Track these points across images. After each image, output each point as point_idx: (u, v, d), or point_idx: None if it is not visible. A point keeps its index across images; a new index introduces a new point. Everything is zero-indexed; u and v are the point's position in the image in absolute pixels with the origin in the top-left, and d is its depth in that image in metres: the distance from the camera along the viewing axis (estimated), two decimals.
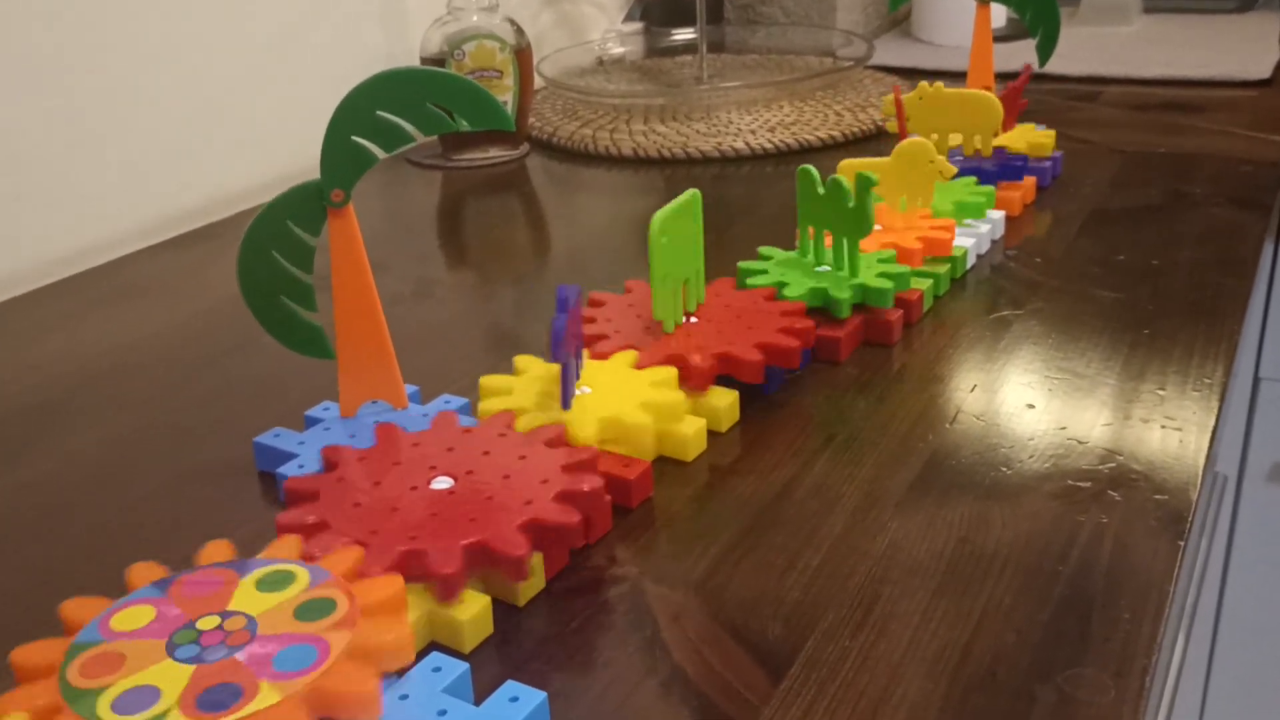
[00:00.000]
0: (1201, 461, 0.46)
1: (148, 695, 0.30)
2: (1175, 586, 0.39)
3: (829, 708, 0.34)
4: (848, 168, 0.64)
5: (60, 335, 0.63)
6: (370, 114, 0.44)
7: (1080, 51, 1.11)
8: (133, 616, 0.33)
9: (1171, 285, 0.62)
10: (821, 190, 0.57)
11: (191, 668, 0.31)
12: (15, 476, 0.49)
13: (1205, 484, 0.48)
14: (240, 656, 0.31)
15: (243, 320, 0.63)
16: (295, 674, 0.30)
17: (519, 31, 0.90)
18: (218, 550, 0.36)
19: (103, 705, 0.29)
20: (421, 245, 0.75)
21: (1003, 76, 0.99)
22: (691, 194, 0.53)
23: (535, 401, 0.47)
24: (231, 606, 0.33)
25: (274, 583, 0.34)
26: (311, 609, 0.33)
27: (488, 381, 0.49)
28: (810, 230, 0.59)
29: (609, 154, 0.91)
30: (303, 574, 0.34)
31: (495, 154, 0.92)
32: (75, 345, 0.62)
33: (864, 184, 0.55)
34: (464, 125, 0.44)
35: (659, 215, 0.50)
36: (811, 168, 0.58)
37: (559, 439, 0.44)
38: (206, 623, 0.32)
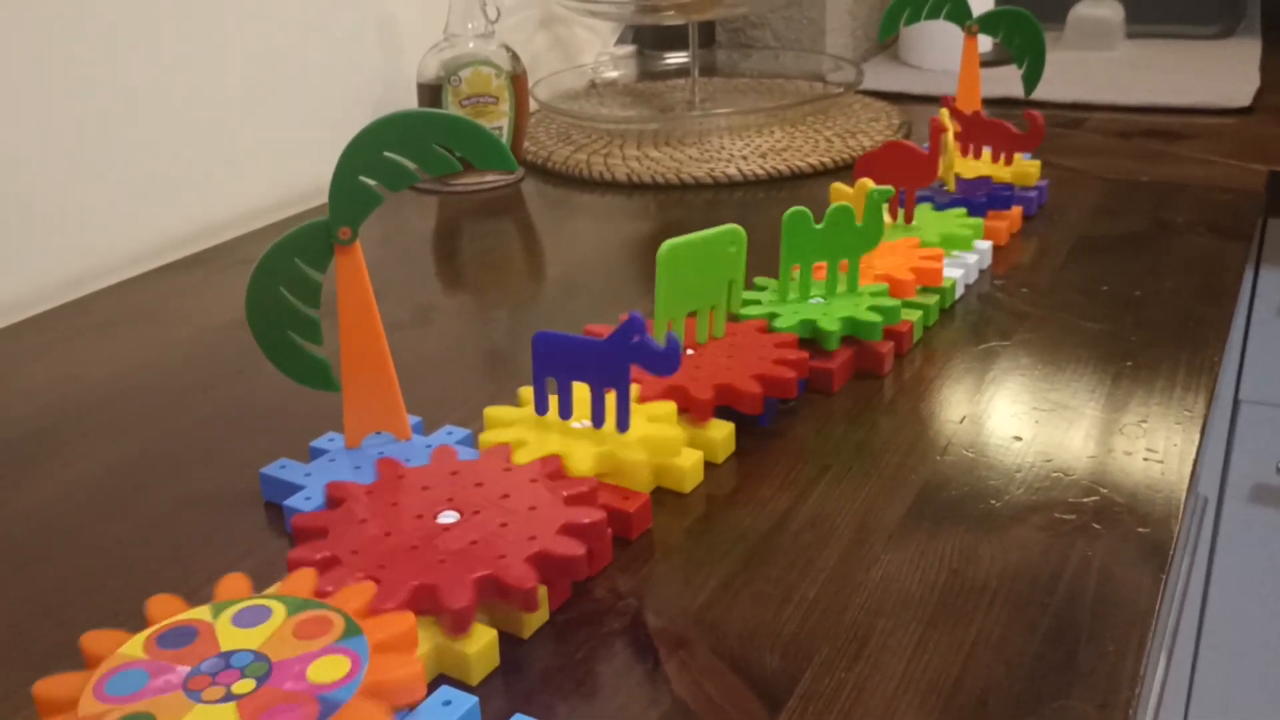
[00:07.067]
0: (1182, 493, 0.47)
1: None
2: (1157, 619, 0.40)
3: None
4: (837, 193, 0.66)
5: (54, 362, 0.64)
6: (377, 154, 0.45)
7: (1065, 77, 1.13)
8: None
9: (1154, 315, 0.63)
10: (819, 226, 0.59)
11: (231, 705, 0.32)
12: (16, 503, 0.50)
13: (1186, 512, 0.49)
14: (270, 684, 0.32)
15: (238, 347, 0.64)
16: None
17: (514, 58, 0.91)
18: (235, 585, 0.37)
19: None
20: (419, 270, 0.76)
21: (991, 102, 1.01)
22: (727, 229, 0.54)
23: (535, 433, 0.48)
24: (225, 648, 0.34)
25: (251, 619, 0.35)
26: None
27: (492, 413, 0.50)
28: (795, 267, 0.60)
29: (603, 179, 0.92)
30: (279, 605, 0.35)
31: (491, 179, 0.93)
32: (70, 372, 0.63)
33: (880, 197, 0.59)
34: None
35: (668, 245, 0.51)
36: (804, 209, 0.59)
37: (558, 472, 0.45)
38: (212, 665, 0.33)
